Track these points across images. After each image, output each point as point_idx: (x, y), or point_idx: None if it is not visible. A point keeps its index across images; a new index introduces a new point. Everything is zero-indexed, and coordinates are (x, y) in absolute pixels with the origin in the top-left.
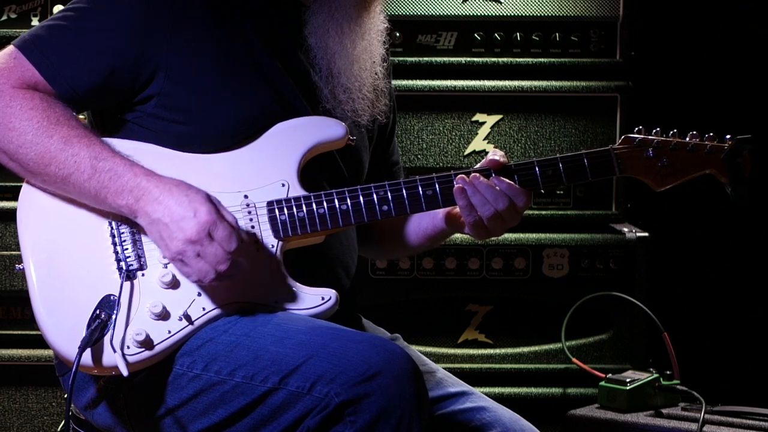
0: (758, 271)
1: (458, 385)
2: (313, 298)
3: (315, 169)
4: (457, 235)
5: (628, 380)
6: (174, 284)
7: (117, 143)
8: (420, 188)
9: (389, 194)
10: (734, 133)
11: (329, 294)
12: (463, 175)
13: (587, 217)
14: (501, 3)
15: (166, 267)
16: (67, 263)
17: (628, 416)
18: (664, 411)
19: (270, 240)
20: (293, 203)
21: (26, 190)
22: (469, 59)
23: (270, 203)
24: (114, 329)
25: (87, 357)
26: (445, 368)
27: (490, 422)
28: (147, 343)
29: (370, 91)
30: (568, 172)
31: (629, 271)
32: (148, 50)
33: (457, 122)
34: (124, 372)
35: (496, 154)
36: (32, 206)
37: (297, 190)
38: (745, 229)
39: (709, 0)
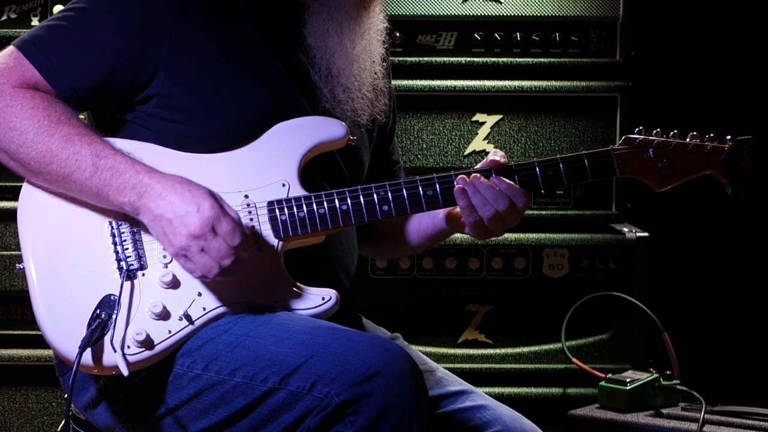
0: (758, 271)
1: (458, 384)
2: (313, 298)
3: (315, 169)
4: (457, 235)
5: (628, 380)
6: (174, 284)
7: (117, 143)
8: (420, 188)
9: (390, 194)
10: (734, 134)
11: (329, 294)
12: (464, 176)
13: (587, 217)
14: (501, 3)
15: (167, 267)
16: (67, 263)
17: (628, 416)
18: (664, 411)
19: (270, 240)
20: (294, 203)
21: (26, 189)
22: (469, 59)
23: (270, 203)
24: (114, 329)
25: (87, 357)
26: (445, 368)
27: (491, 420)
28: (147, 343)
29: (369, 91)
30: (568, 172)
31: (629, 271)
32: (148, 50)
33: (457, 122)
34: (125, 372)
35: (496, 155)
36: (32, 206)
37: (297, 190)
38: (745, 229)
39: (709, 0)
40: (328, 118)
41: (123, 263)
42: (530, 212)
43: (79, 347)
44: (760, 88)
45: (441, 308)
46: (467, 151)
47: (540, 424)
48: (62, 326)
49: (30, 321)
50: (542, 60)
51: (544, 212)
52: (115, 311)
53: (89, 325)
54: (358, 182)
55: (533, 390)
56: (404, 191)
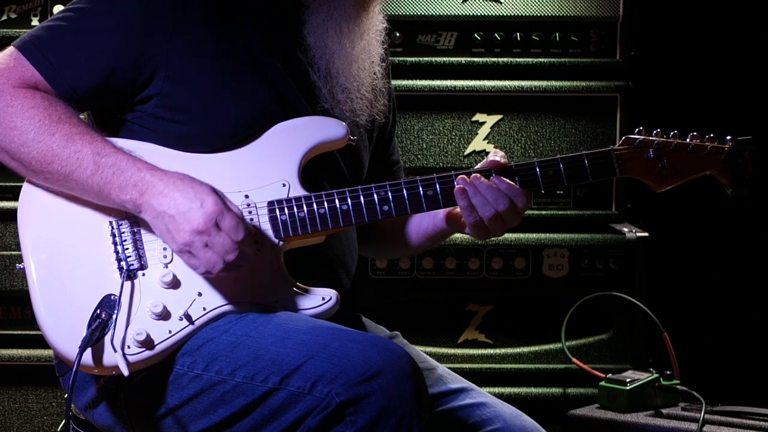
0: (758, 271)
1: (458, 382)
2: (313, 299)
3: (315, 169)
4: (457, 235)
5: (628, 380)
6: (174, 284)
7: (118, 143)
8: (421, 188)
9: (390, 194)
10: (734, 134)
11: (330, 294)
12: (464, 176)
13: (587, 217)
14: (501, 3)
15: (167, 267)
16: (67, 263)
17: (628, 416)
18: (664, 411)
19: (271, 240)
20: (294, 203)
21: (27, 189)
22: (469, 59)
23: (271, 203)
24: (114, 329)
25: (87, 357)
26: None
27: (491, 418)
28: (147, 343)
29: (368, 91)
30: (568, 172)
31: (629, 271)
32: (148, 50)
33: (457, 122)
34: (125, 372)
35: (496, 155)
36: (33, 206)
37: (298, 190)
38: (745, 229)
39: (709, 0)
40: (328, 118)
41: (123, 263)
42: (530, 212)
43: (80, 347)
44: (760, 88)
45: (441, 308)
46: (467, 151)
47: (540, 424)
48: (62, 326)
49: (30, 321)
50: (542, 60)
51: (544, 212)
52: (116, 311)
53: (89, 325)
54: (358, 182)
55: (533, 390)
56: (404, 191)
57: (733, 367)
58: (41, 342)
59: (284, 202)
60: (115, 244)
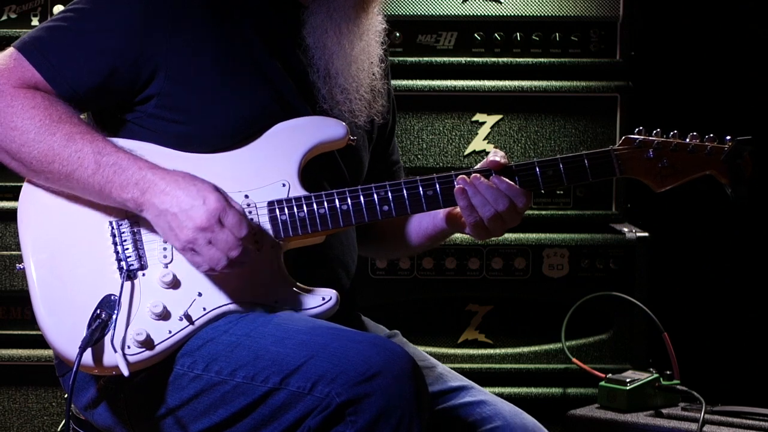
0: (758, 271)
1: (458, 380)
2: (313, 299)
3: (315, 169)
4: (457, 235)
5: (628, 380)
6: (174, 284)
7: (118, 143)
8: (421, 188)
9: (390, 194)
10: (734, 134)
11: (330, 294)
12: (464, 176)
13: (587, 217)
14: (501, 3)
15: (167, 267)
16: (68, 263)
17: (628, 416)
18: (664, 411)
19: (271, 240)
20: (294, 203)
21: (27, 189)
22: (469, 59)
23: (271, 203)
24: (114, 329)
25: (87, 357)
26: None
27: (491, 416)
28: (148, 343)
29: (367, 92)
30: (568, 172)
31: (629, 271)
32: (147, 50)
33: (457, 122)
34: (125, 372)
35: (496, 155)
36: (33, 206)
37: (298, 190)
38: (745, 229)
39: (709, 0)
40: (328, 118)
41: (123, 263)
42: (530, 212)
43: (80, 347)
44: (760, 88)
45: (441, 308)
46: (467, 151)
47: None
48: (63, 326)
49: (30, 321)
50: (542, 60)
51: (544, 212)
52: (116, 311)
53: (89, 325)
54: (358, 182)
55: (533, 390)
56: (404, 191)
57: (733, 367)
58: (41, 342)
59: (284, 202)
60: (115, 244)
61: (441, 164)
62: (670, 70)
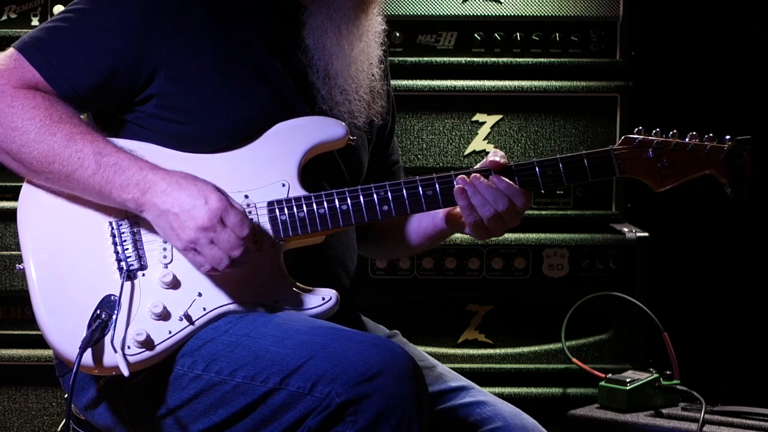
0: (758, 271)
1: (458, 380)
2: (313, 299)
3: (315, 169)
4: (457, 235)
5: (628, 380)
6: (174, 284)
7: (118, 143)
8: (420, 188)
9: (389, 194)
10: (734, 134)
11: (330, 294)
12: (464, 176)
13: (587, 217)
14: (501, 3)
15: (167, 267)
16: (68, 263)
17: (628, 416)
18: (664, 411)
19: (270, 240)
20: (294, 203)
21: (27, 189)
22: (469, 59)
23: (270, 203)
24: (115, 329)
25: (88, 357)
26: None
27: (491, 416)
28: (148, 344)
29: (366, 93)
30: (568, 172)
31: (629, 271)
32: (147, 50)
33: (457, 122)
34: (125, 372)
35: (496, 155)
36: (33, 206)
37: (297, 190)
38: (745, 229)
39: (709, 0)
40: (327, 118)
41: (123, 263)
42: (530, 212)
43: (80, 348)
44: (760, 88)
45: (441, 308)
46: (467, 151)
47: (540, 424)
48: (63, 327)
49: (30, 321)
50: (542, 60)
51: (544, 212)
52: (116, 311)
53: (89, 325)
54: (358, 182)
55: (533, 390)
56: (404, 191)
57: (733, 367)
58: (41, 342)
59: (284, 202)
60: (115, 244)
61: (441, 164)
62: (670, 70)
